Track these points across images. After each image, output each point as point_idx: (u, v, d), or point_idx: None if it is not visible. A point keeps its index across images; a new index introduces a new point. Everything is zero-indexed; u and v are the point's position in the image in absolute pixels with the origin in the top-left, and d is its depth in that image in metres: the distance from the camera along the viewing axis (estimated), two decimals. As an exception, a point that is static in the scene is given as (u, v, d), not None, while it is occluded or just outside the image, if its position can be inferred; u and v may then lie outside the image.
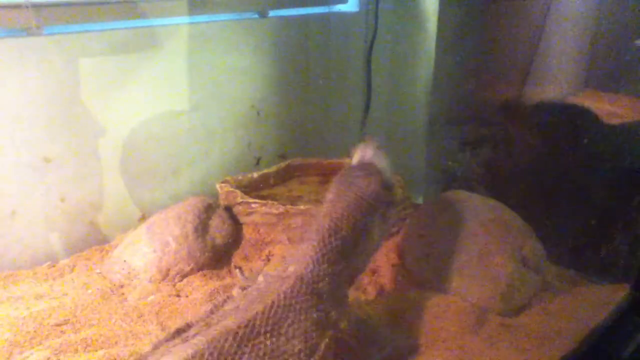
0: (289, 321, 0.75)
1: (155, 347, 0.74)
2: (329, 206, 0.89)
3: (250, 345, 0.71)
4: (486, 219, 1.14)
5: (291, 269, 0.84)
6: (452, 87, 1.62)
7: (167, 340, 0.74)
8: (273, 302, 0.76)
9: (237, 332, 0.71)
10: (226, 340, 0.70)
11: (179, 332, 0.75)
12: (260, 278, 0.85)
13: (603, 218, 1.23)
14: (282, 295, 0.78)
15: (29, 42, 1.09)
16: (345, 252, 0.86)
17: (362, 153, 0.98)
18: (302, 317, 0.77)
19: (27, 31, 1.09)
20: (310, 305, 0.79)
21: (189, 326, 0.76)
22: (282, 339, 0.73)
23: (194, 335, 0.72)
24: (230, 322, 0.73)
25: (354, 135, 1.75)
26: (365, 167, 0.95)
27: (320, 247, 0.84)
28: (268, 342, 0.72)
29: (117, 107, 1.24)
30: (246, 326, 0.72)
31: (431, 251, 1.14)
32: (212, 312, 0.79)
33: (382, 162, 0.95)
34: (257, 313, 0.74)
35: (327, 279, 0.83)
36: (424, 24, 1.71)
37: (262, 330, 0.73)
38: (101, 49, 1.20)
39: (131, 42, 1.24)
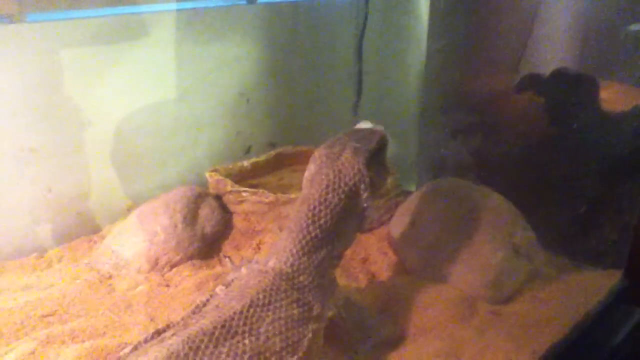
0: (269, 319, 0.74)
1: (135, 348, 0.73)
2: (307, 187, 0.86)
3: (227, 345, 0.70)
4: (477, 207, 1.13)
5: (271, 263, 0.82)
6: (444, 75, 1.61)
7: (145, 341, 0.73)
8: (252, 301, 0.75)
9: (213, 333, 0.70)
10: (202, 340, 0.69)
11: (158, 332, 0.74)
12: (244, 270, 0.84)
13: (594, 205, 1.22)
14: (260, 293, 0.76)
15: (11, 30, 1.07)
16: (326, 239, 0.83)
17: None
18: (283, 315, 0.76)
19: (9, 18, 1.07)
20: (290, 301, 0.77)
21: (168, 327, 0.75)
22: (262, 337, 0.72)
23: (172, 336, 0.71)
24: (206, 322, 0.72)
25: (346, 123, 1.73)
26: (353, 140, 0.89)
27: (299, 239, 0.82)
28: (246, 342, 0.71)
29: (103, 96, 1.22)
30: (222, 326, 0.71)
31: (422, 239, 1.13)
32: (193, 312, 0.78)
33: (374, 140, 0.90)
34: (234, 313, 0.73)
35: (308, 271, 0.81)
36: (416, 11, 1.70)
37: (240, 330, 0.72)
38: (86, 37, 1.17)
39: (116, 30, 1.22)
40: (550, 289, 1.09)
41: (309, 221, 0.82)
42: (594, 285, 1.12)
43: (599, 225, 1.21)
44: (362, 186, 0.85)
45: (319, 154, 0.89)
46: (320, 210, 0.82)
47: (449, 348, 0.92)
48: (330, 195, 0.83)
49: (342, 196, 0.84)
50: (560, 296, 1.07)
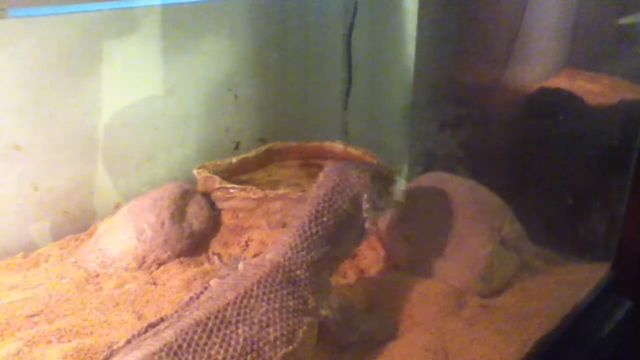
0: (263, 309, 0.75)
1: (128, 342, 0.73)
2: (314, 190, 0.90)
3: (220, 335, 0.70)
4: (465, 200, 1.13)
5: (268, 256, 0.83)
6: (433, 68, 1.60)
7: (139, 334, 0.73)
8: (245, 291, 0.76)
9: (206, 323, 0.71)
10: (195, 332, 0.69)
11: (151, 325, 0.74)
12: (241, 266, 0.85)
13: (582, 197, 1.22)
14: (255, 284, 0.77)
15: (-7, 26, 1.06)
16: (326, 238, 0.85)
17: None
18: (277, 305, 0.76)
19: (-10, 15, 1.05)
20: (286, 293, 0.78)
21: (162, 320, 0.75)
22: (256, 327, 0.73)
23: (165, 329, 0.71)
24: (200, 313, 0.72)
25: (335, 118, 1.73)
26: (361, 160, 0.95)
27: (299, 233, 0.84)
28: (240, 331, 0.71)
29: (89, 93, 1.21)
30: (216, 317, 0.72)
31: (411, 234, 1.13)
32: (187, 304, 0.78)
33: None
34: (228, 303, 0.74)
35: (304, 266, 0.82)
36: (405, 4, 1.69)
37: (234, 320, 0.72)
38: (71, 33, 1.16)
39: (102, 25, 1.20)
40: (539, 282, 1.09)
41: (312, 217, 0.85)
42: (582, 277, 1.12)
43: (586, 217, 1.22)
44: (365, 196, 0.90)
45: (328, 165, 0.95)
46: (323, 208, 0.86)
47: (437, 342, 0.92)
48: (335, 197, 0.87)
49: (346, 199, 0.88)
50: (549, 288, 1.08)
